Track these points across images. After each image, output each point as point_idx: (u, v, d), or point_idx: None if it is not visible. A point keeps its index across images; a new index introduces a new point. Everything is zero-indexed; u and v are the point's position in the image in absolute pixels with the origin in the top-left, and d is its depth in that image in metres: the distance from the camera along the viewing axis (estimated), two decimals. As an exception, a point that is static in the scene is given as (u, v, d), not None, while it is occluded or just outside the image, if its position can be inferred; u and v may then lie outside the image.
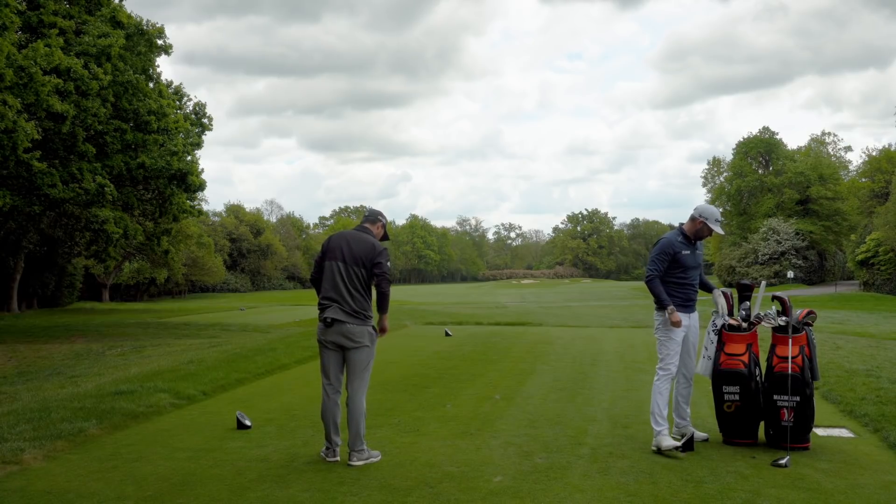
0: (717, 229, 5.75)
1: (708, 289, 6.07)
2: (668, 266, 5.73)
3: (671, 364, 5.69)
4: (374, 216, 5.58)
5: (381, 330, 5.45)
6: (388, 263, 5.38)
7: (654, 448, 5.45)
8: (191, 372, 9.10)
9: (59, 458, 5.30)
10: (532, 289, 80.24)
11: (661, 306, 5.66)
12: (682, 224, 5.95)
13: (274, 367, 9.92)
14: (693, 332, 5.85)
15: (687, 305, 5.79)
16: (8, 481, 4.75)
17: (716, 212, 5.84)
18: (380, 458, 5.25)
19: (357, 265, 5.23)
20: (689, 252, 5.77)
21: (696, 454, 5.35)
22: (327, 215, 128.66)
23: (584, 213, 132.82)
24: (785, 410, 5.47)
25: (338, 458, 5.27)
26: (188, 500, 4.39)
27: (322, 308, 5.27)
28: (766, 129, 72.01)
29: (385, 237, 5.63)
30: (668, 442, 5.40)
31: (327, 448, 5.32)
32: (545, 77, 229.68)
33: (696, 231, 5.82)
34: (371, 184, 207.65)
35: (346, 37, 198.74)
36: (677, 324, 5.58)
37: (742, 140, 72.28)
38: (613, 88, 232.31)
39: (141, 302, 56.25)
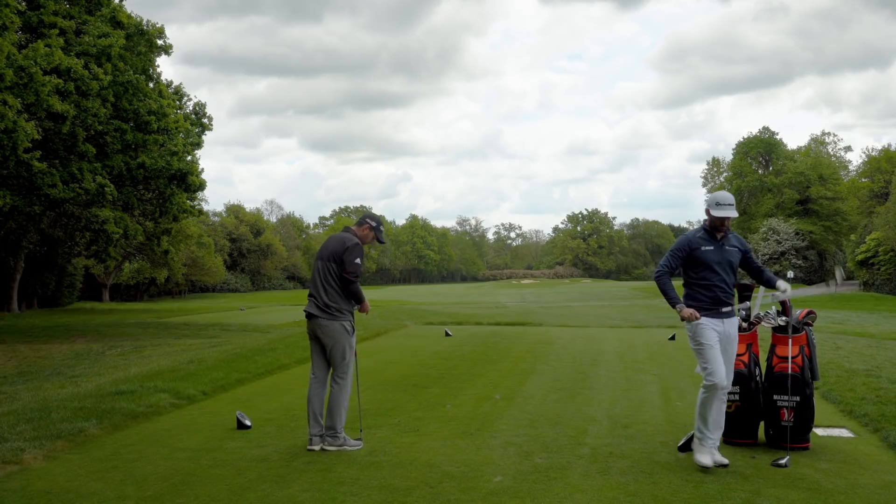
0: (721, 213, 5.16)
1: (771, 283, 5.41)
2: (688, 264, 5.23)
3: (711, 372, 5.06)
4: (361, 220, 5.96)
5: (363, 310, 5.80)
6: (358, 260, 5.58)
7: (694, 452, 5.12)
8: (191, 372, 9.10)
9: (59, 458, 5.30)
10: (532, 289, 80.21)
11: (670, 304, 5.15)
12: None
13: (274, 367, 9.93)
14: (731, 343, 5.23)
15: (715, 309, 5.15)
16: (8, 481, 4.75)
17: (718, 195, 5.23)
18: (358, 447, 5.47)
19: (330, 261, 5.62)
20: (711, 248, 5.20)
21: (696, 454, 5.34)
22: (327, 215, 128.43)
23: (584, 213, 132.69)
24: (785, 410, 5.47)
25: (315, 448, 5.53)
26: (188, 500, 4.40)
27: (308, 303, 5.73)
28: (766, 129, 72.10)
29: (378, 240, 5.83)
30: (701, 458, 4.97)
31: (310, 438, 5.61)
32: (545, 77, 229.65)
33: (711, 223, 5.24)
34: (371, 184, 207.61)
35: (348, 37, 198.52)
36: (689, 317, 5.05)
37: (742, 140, 72.37)
38: (613, 88, 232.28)
39: (141, 302, 56.24)
